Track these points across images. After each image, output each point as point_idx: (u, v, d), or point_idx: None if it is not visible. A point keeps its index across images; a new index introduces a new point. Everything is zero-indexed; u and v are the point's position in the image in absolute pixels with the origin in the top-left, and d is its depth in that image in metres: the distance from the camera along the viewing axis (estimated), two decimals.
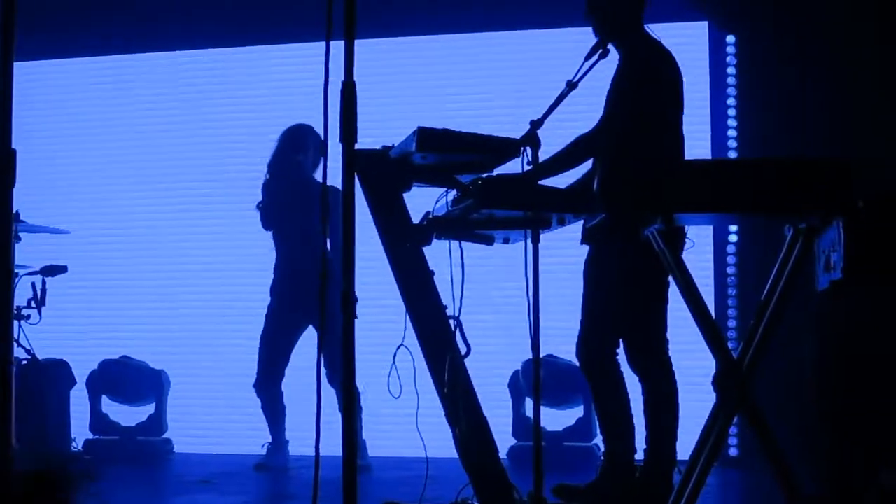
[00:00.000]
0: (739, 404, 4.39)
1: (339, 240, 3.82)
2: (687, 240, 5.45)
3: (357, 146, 3.69)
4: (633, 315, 5.69)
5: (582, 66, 5.37)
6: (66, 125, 9.86)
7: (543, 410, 5.15)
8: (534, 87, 7.82)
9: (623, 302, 5.64)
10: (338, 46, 3.55)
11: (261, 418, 8.15)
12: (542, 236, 5.07)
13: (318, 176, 7.91)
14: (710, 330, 4.46)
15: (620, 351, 5.77)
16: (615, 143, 5.55)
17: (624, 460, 5.70)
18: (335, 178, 3.72)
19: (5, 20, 3.56)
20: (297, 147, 8.04)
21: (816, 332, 4.89)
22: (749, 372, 4.39)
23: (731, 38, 8.72)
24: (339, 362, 3.71)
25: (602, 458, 5.85)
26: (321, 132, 3.76)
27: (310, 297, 7.59)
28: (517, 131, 5.03)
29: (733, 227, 8.38)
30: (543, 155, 5.08)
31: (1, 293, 3.54)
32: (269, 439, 8.13)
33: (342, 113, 3.54)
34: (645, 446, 5.68)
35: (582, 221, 5.57)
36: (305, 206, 7.80)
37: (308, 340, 8.03)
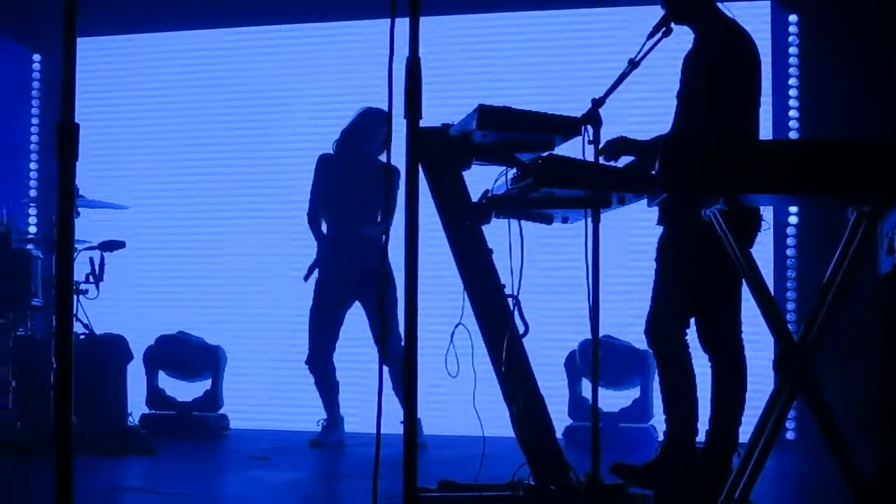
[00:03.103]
0: (799, 387, 4.35)
1: (398, 219, 3.79)
2: (763, 222, 5.39)
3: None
4: (706, 294, 5.60)
5: (644, 44, 5.30)
6: (125, 101, 9.91)
7: (600, 391, 5.11)
8: (596, 66, 7.78)
9: (696, 281, 5.56)
10: (403, 23, 3.53)
11: (316, 395, 8.17)
12: (602, 216, 5.03)
13: (383, 158, 7.88)
14: (771, 312, 4.42)
15: (691, 332, 5.70)
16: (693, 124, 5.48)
17: (684, 442, 5.65)
18: (398, 156, 3.69)
19: None
20: (367, 128, 8.04)
21: (879, 315, 4.84)
22: (809, 354, 4.35)
23: (793, 18, 8.65)
24: (394, 340, 3.68)
25: (662, 438, 5.80)
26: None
27: (356, 272, 7.69)
28: (579, 110, 5.00)
29: (793, 209, 8.33)
30: (605, 133, 5.01)
31: (62, 268, 3.54)
32: (324, 416, 8.15)
33: (407, 89, 3.51)
34: (708, 427, 5.62)
35: (644, 201, 5.50)
36: (362, 183, 7.81)
37: (360, 320, 8.04)
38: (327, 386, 8.15)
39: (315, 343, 8.15)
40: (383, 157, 7.55)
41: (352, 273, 7.86)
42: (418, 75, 3.50)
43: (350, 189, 8.00)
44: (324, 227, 8.20)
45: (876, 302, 4.85)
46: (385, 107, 3.68)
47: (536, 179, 4.85)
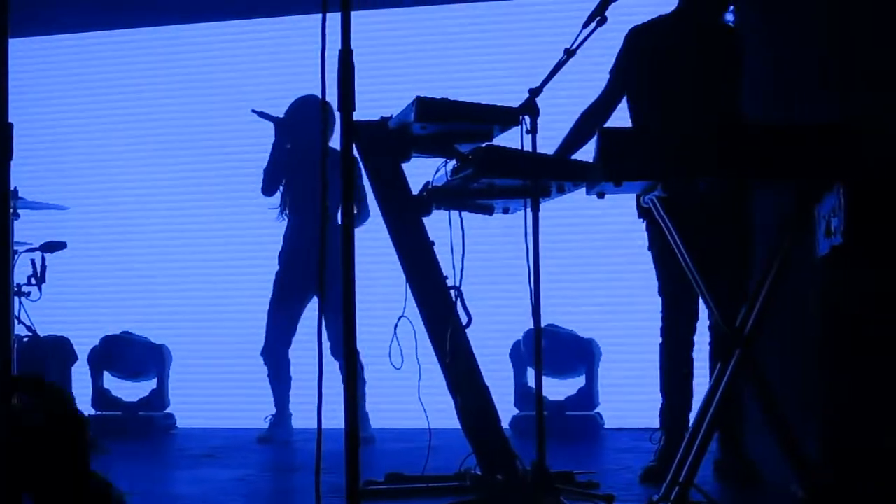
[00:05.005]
0: (741, 370, 4.39)
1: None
2: None
3: (355, 117, 3.65)
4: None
5: (580, 33, 5.31)
6: (63, 100, 9.85)
7: (545, 380, 5.13)
8: (532, 56, 7.79)
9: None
10: (334, 17, 3.53)
11: (264, 392, 8.15)
12: (542, 205, 5.04)
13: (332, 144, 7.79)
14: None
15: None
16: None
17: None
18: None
19: None
20: (309, 118, 7.93)
21: (818, 299, 4.88)
22: (751, 338, 4.39)
23: None
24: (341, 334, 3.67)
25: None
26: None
27: (316, 266, 7.60)
28: (516, 100, 5.00)
29: None
30: (542, 122, 5.02)
31: (0, 270, 3.52)
32: (273, 412, 8.12)
33: (340, 82, 3.51)
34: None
35: (583, 189, 5.51)
36: (317, 174, 7.69)
37: (313, 314, 8.03)
38: (279, 379, 8.10)
39: (270, 335, 8.10)
40: (332, 145, 7.35)
41: (312, 268, 7.68)
42: (351, 68, 3.50)
43: (306, 182, 7.91)
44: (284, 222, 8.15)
45: (815, 286, 4.88)
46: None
47: (476, 170, 4.86)
